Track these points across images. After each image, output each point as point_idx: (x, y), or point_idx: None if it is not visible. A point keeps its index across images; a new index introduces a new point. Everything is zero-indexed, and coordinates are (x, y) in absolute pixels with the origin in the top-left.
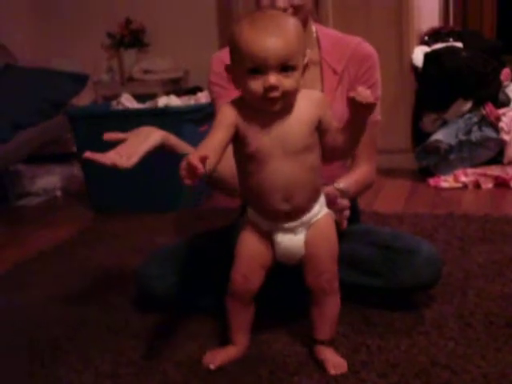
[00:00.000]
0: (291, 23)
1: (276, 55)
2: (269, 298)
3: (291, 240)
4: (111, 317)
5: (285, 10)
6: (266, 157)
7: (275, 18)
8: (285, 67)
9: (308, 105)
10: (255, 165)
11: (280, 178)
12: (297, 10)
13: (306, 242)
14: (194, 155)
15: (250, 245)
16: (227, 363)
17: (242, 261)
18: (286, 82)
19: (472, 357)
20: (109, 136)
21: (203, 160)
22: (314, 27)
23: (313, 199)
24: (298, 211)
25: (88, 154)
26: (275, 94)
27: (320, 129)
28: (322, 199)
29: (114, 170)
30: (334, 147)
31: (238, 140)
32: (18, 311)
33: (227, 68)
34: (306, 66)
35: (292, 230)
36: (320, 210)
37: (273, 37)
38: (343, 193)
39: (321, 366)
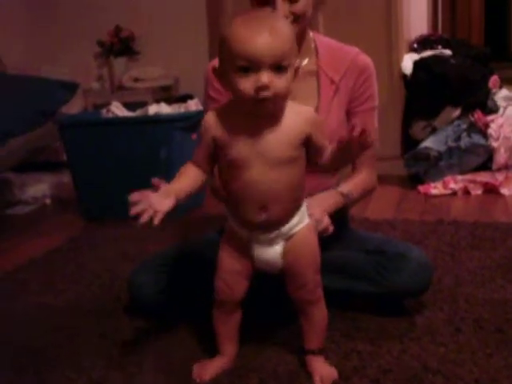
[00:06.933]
0: (283, 24)
1: (272, 53)
2: (257, 305)
3: (267, 251)
4: (103, 324)
5: (286, 17)
6: (245, 165)
7: (268, 18)
8: (278, 67)
9: (294, 118)
10: (234, 172)
11: (257, 187)
12: (297, 18)
13: (284, 254)
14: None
15: (229, 254)
16: (216, 375)
17: (222, 270)
18: (277, 82)
19: (463, 362)
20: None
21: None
22: (312, 36)
23: (290, 211)
24: (274, 223)
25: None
26: (267, 93)
27: (310, 147)
28: (302, 210)
29: (103, 177)
30: (323, 166)
31: (218, 147)
32: (9, 320)
33: (214, 71)
34: (296, 70)
35: (268, 242)
36: (299, 222)
37: (268, 35)
38: (346, 197)
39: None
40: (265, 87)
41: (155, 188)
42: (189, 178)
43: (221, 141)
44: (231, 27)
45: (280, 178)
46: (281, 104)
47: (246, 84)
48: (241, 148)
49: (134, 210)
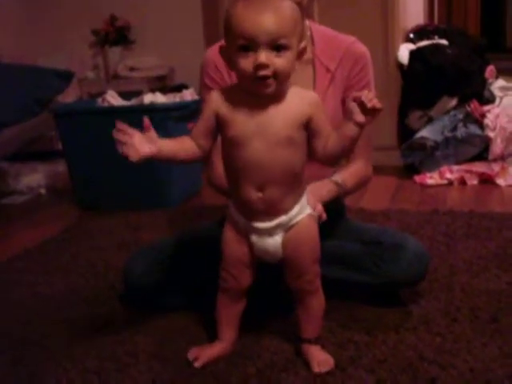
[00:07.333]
0: (287, 5)
1: (267, 31)
2: (254, 294)
3: (266, 241)
4: (97, 313)
5: None
6: (244, 142)
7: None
8: (277, 46)
9: (298, 101)
10: (233, 150)
11: (254, 165)
12: None
13: (284, 245)
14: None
15: (231, 244)
16: (213, 360)
17: (227, 260)
18: (277, 61)
19: (459, 352)
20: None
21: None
22: (308, 24)
23: (289, 198)
24: (271, 207)
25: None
26: (265, 72)
27: (310, 130)
28: (303, 200)
29: (98, 167)
30: (324, 151)
31: (220, 125)
32: (3, 309)
33: (221, 51)
34: (302, 51)
35: (267, 232)
36: (299, 212)
37: (265, 13)
38: (340, 186)
39: (308, 365)
40: (263, 65)
41: (145, 129)
42: (180, 143)
43: (223, 118)
44: (233, 7)
45: (277, 159)
46: (283, 85)
47: (246, 63)
48: (241, 125)
49: (116, 135)
